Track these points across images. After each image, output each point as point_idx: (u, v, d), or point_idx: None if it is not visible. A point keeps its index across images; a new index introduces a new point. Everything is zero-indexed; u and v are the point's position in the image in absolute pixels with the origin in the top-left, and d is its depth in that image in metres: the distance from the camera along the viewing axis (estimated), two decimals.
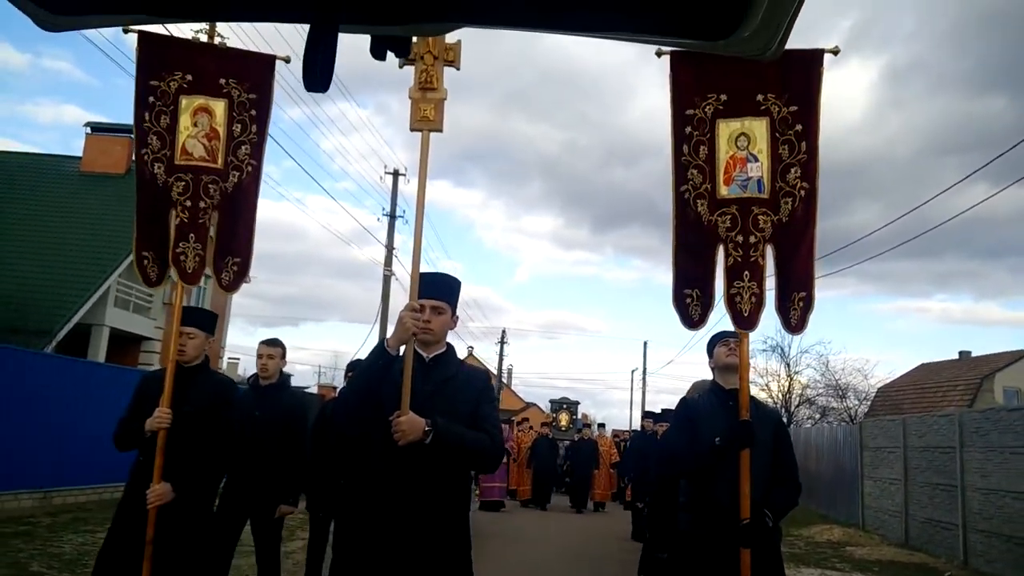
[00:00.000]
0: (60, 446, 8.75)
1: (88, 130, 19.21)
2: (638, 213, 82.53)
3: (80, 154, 19.11)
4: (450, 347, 2.98)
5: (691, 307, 3.50)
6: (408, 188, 19.73)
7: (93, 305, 15.65)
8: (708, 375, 4.07)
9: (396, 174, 19.87)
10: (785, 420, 17.31)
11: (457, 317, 3.02)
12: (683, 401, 4.03)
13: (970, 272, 59.91)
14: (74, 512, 8.55)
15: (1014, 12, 46.03)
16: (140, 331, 17.91)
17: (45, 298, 14.93)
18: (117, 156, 18.76)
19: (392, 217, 19.66)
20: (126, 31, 3.69)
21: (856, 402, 27.46)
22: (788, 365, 27.14)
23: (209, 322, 4.06)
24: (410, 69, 3.11)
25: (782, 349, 26.75)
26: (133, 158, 16.75)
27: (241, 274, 3.80)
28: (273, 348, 4.89)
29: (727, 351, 3.63)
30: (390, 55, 1.39)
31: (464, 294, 3.11)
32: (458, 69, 3.17)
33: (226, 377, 4.13)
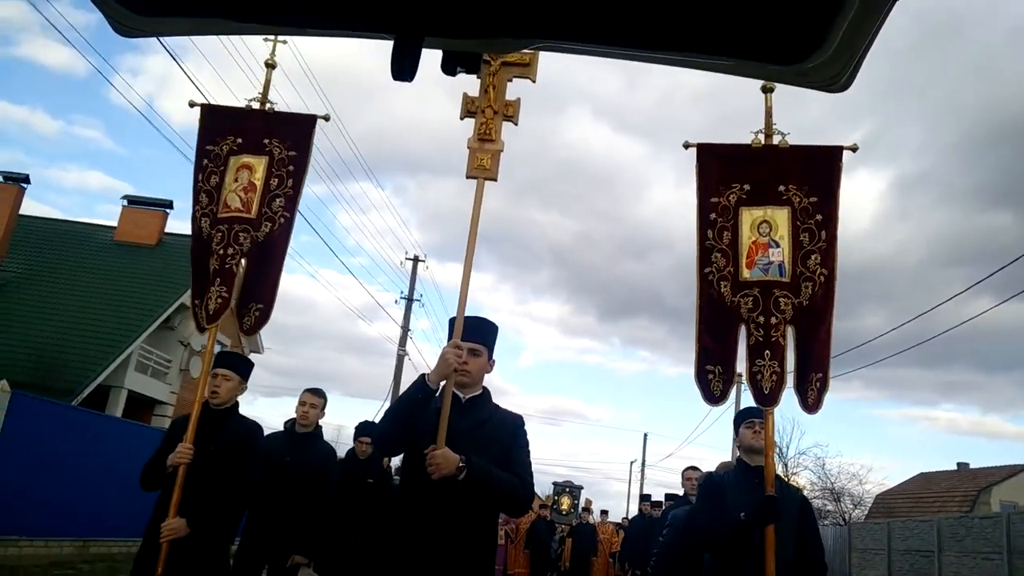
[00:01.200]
0: (99, 498, 9.56)
1: (125, 202, 20.57)
2: (646, 305, 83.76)
3: (105, 218, 20.53)
4: (486, 390, 3.04)
5: (712, 383, 3.63)
6: (425, 273, 20.92)
7: (115, 368, 16.58)
8: (705, 467, 4.42)
9: (416, 260, 21.26)
10: None
11: (494, 361, 3.07)
12: (709, 476, 4.11)
13: (976, 384, 60.59)
14: (108, 561, 9.30)
15: (1021, 129, 48.45)
16: (156, 395, 18.79)
17: (72, 358, 15.89)
18: (150, 228, 20.08)
19: (409, 300, 20.87)
20: (192, 105, 4.13)
21: (851, 506, 27.83)
22: (786, 466, 27.73)
23: (245, 367, 4.11)
24: (469, 122, 3.37)
25: (780, 450, 27.43)
26: (166, 229, 18.12)
27: (262, 320, 3.92)
28: (317, 398, 5.08)
29: (752, 433, 3.72)
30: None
31: None
32: (516, 124, 3.39)
33: (254, 422, 4.07)
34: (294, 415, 5.12)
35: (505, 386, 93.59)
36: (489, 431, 2.88)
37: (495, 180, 3.27)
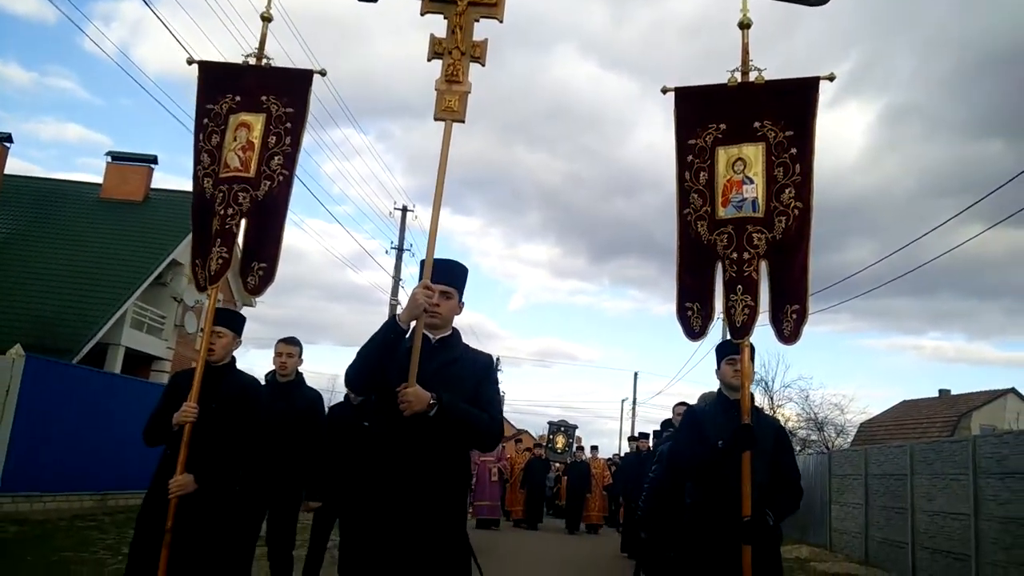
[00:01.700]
0: (115, 453, 10.06)
1: (108, 158, 20.55)
2: (635, 244, 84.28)
3: (85, 172, 20.67)
4: (455, 331, 3.08)
5: (692, 320, 3.78)
6: (415, 223, 21.22)
7: (111, 326, 16.89)
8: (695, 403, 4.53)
9: (404, 210, 21.52)
10: None
11: (463, 303, 3.12)
12: (690, 409, 4.33)
13: (964, 311, 61.88)
14: (126, 513, 9.87)
15: (1011, 58, 48.34)
16: (152, 351, 19.14)
17: (69, 317, 16.18)
18: (136, 184, 20.12)
19: (400, 250, 21.19)
20: (190, 63, 4.13)
21: (834, 435, 28.98)
22: (772, 399, 28.71)
23: (238, 323, 4.19)
24: (437, 63, 3.35)
25: (766, 384, 28.36)
26: (151, 184, 18.08)
27: (266, 279, 3.92)
28: (292, 347, 5.12)
29: (732, 371, 3.85)
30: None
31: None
32: (483, 65, 3.39)
33: (252, 377, 4.21)
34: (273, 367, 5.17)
35: (497, 330, 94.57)
36: (459, 370, 2.93)
37: (463, 122, 3.27)
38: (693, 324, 3.77)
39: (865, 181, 64.93)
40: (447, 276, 2.99)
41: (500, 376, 45.47)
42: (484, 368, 3.02)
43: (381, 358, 2.77)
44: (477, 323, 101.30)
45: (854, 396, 76.57)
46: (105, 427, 9.41)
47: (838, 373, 74.06)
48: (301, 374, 5.25)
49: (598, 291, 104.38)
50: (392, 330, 2.78)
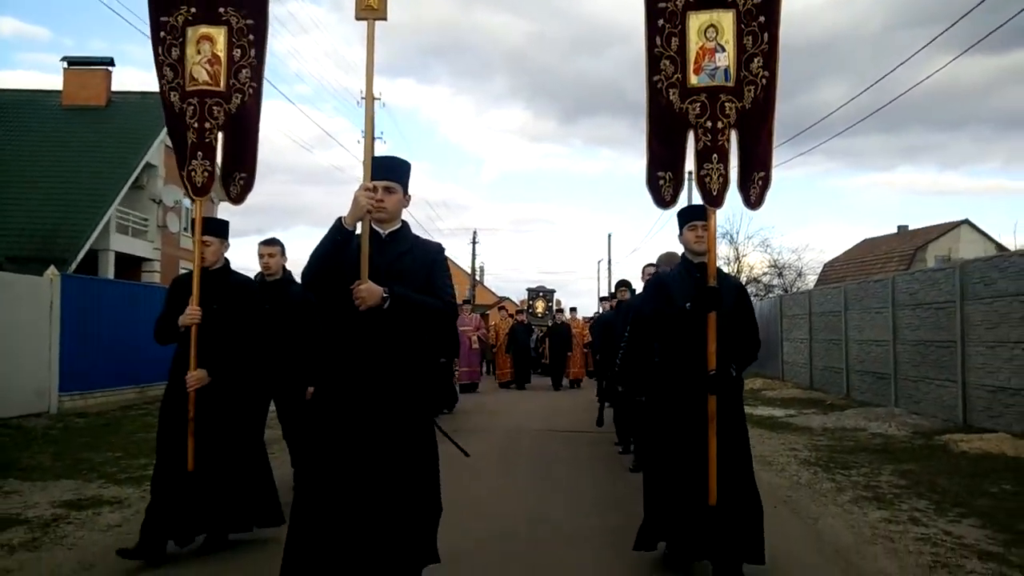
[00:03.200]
0: (146, 350, 11.56)
1: (65, 64, 20.77)
2: (606, 103, 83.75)
3: (28, 70, 21.00)
4: (405, 224, 3.23)
5: (663, 188, 3.88)
6: (383, 112, 21.48)
7: (99, 233, 17.86)
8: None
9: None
10: None
11: (409, 196, 3.23)
12: (655, 274, 4.62)
13: (935, 144, 63.51)
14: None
15: None
16: (141, 253, 20.29)
17: (59, 228, 17.07)
18: (96, 89, 20.51)
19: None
20: None
21: (794, 277, 31.35)
22: (737, 249, 30.88)
23: (222, 229, 4.45)
24: None
25: (731, 236, 30.43)
26: (112, 88, 18.45)
27: (247, 188, 4.24)
28: (272, 247, 5.38)
29: (695, 237, 3.96)
30: None
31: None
32: None
33: (246, 277, 4.63)
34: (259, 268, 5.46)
35: (471, 200, 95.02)
36: (409, 262, 3.09)
37: (385, 19, 3.21)
38: (664, 193, 3.89)
39: (837, 17, 64.60)
40: (388, 172, 3.10)
41: (478, 248, 46.39)
42: (434, 256, 3.19)
43: (333, 259, 2.92)
44: (451, 195, 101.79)
45: (809, 244, 79.07)
46: (135, 329, 10.80)
47: (807, 217, 76.45)
48: (289, 271, 5.51)
49: (570, 153, 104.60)
50: (339, 232, 2.90)
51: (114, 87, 21.27)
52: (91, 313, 10.82)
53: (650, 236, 43.82)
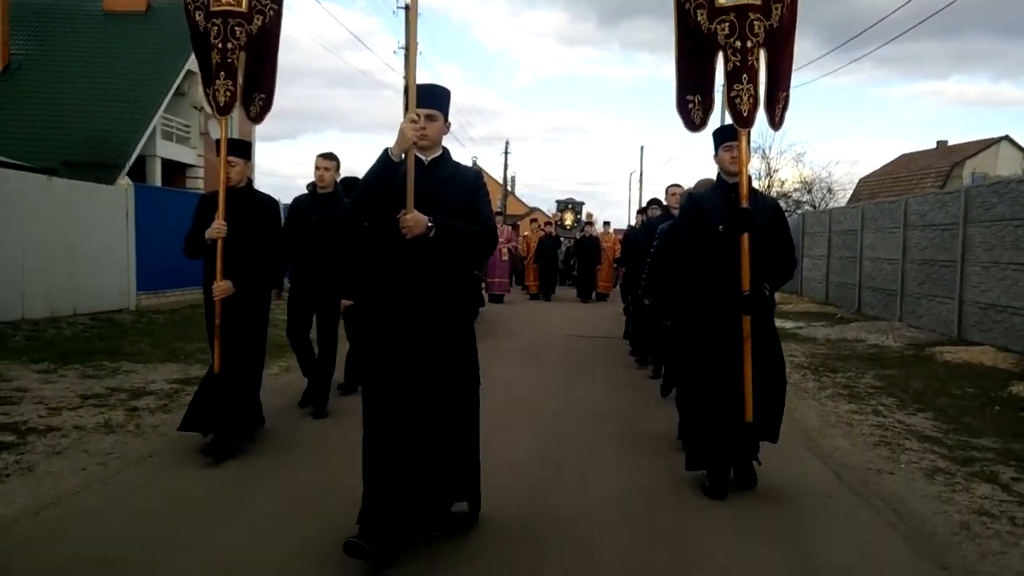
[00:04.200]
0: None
1: None
2: (648, 3, 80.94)
3: None
4: (445, 150, 3.35)
5: (693, 112, 3.94)
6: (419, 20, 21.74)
7: (146, 139, 18.80)
8: (704, 175, 5.07)
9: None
10: None
11: (450, 123, 3.35)
12: (690, 195, 4.53)
13: (992, 51, 60.55)
14: None
15: None
16: (185, 159, 21.34)
17: (107, 134, 17.95)
18: None
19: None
20: None
21: (825, 193, 31.77)
22: (768, 165, 31.32)
23: (246, 150, 4.71)
24: None
25: (764, 151, 30.85)
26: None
27: (266, 108, 4.49)
28: (329, 161, 5.60)
29: (730, 158, 3.97)
30: None
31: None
32: None
33: (268, 196, 4.85)
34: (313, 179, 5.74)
35: (503, 107, 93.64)
36: (451, 187, 3.24)
37: None
38: (694, 116, 3.96)
39: None
40: (430, 100, 3.22)
41: (510, 159, 46.26)
42: (474, 182, 3.34)
43: (381, 188, 3.08)
44: (483, 101, 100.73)
45: (839, 158, 77.23)
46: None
47: (846, 130, 74.80)
48: (339, 185, 5.72)
49: (608, 58, 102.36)
50: (386, 164, 3.05)
51: None
52: (159, 218, 12.11)
53: (687, 144, 43.86)
